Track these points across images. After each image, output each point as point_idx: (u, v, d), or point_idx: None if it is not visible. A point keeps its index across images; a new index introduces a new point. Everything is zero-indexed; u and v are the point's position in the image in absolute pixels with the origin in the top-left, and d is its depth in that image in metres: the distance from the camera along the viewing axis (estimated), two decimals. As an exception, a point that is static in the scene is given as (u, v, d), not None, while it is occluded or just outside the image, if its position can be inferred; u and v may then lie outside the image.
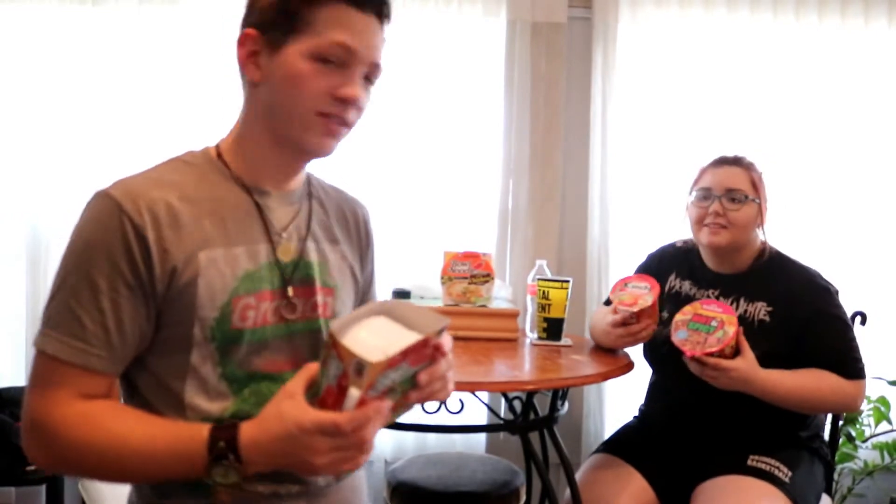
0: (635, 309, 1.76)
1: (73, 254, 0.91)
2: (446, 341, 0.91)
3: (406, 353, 0.82)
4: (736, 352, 1.61)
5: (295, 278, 1.01)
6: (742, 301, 1.73)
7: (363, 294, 1.20)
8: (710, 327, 1.61)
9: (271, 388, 0.96)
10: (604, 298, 2.61)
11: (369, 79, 0.99)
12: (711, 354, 1.57)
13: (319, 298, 1.04)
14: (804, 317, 1.69)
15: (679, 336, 1.64)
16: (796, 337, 1.68)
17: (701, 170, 1.85)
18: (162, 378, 0.96)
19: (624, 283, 1.83)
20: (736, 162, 1.81)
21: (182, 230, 0.93)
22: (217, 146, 1.03)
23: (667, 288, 1.89)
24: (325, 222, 1.10)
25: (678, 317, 1.68)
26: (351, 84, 0.96)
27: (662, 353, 1.83)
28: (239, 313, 0.96)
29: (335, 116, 0.96)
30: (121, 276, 0.90)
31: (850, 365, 1.67)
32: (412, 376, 0.88)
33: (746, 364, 1.59)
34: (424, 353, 0.86)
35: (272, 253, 1.00)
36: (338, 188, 1.19)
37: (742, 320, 1.69)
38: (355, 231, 1.16)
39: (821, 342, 1.68)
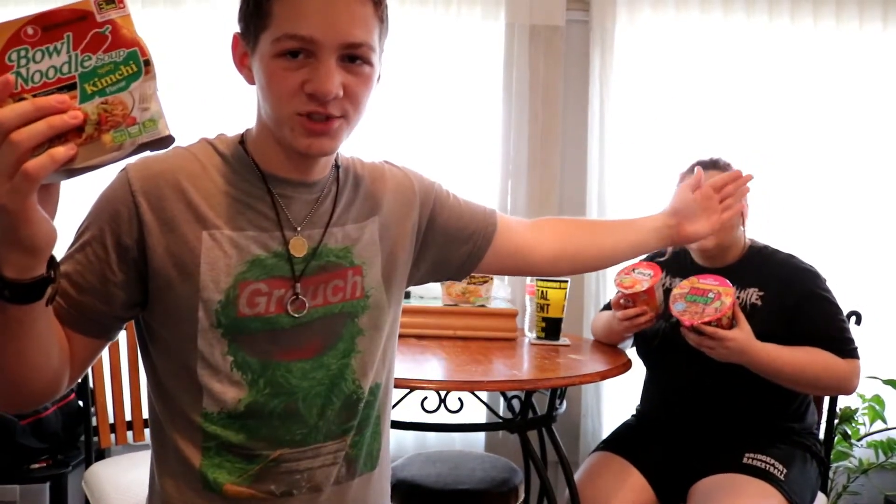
0: (629, 292, 1.79)
1: (85, 217, 0.93)
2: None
3: (43, 21, 0.67)
4: (733, 325, 1.64)
5: (310, 269, 0.97)
6: (735, 289, 1.76)
7: (476, 230, 1.15)
8: (708, 299, 1.64)
9: (287, 378, 0.95)
10: (602, 298, 2.64)
11: (354, 59, 0.89)
12: (709, 324, 1.60)
13: (344, 281, 1.00)
14: (795, 298, 1.72)
15: (677, 308, 1.67)
16: (789, 319, 1.71)
17: (681, 176, 1.89)
18: (178, 360, 0.94)
19: (632, 268, 1.87)
20: (713, 165, 1.84)
21: (188, 210, 0.92)
22: (243, 134, 1.01)
23: (661, 286, 1.91)
24: (354, 204, 1.04)
25: (676, 290, 1.71)
26: (319, 77, 0.86)
27: (655, 347, 1.87)
28: (247, 299, 0.93)
29: (315, 114, 0.88)
30: (103, 237, 0.90)
31: (843, 344, 1.70)
32: (104, 79, 0.68)
33: (743, 335, 1.61)
34: (96, 34, 0.68)
35: (284, 245, 0.96)
36: (371, 164, 1.11)
37: None
38: (396, 197, 1.09)
39: (813, 322, 1.71)
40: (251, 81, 0.95)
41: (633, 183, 2.67)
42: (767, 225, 2.48)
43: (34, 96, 0.66)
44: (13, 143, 0.63)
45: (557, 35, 2.61)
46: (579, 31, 2.70)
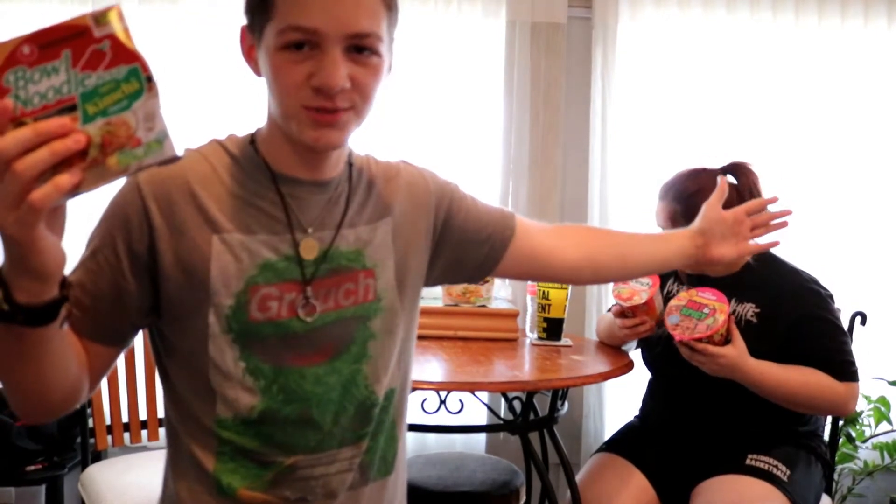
0: (627, 305, 1.78)
1: (96, 224, 0.91)
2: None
3: (39, 39, 0.63)
4: (728, 340, 1.62)
5: (321, 272, 0.95)
6: (733, 302, 1.73)
7: (493, 233, 1.12)
8: (702, 314, 1.63)
9: (300, 384, 0.94)
10: (603, 298, 2.62)
11: (361, 49, 0.86)
12: (700, 340, 1.59)
13: (356, 284, 0.98)
14: (790, 319, 1.68)
15: (671, 320, 1.66)
16: (783, 339, 1.68)
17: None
18: (190, 366, 0.93)
19: None
20: (732, 170, 1.81)
21: (198, 213, 0.90)
22: (254, 133, 0.98)
23: (665, 291, 1.90)
24: (366, 205, 1.02)
25: (673, 301, 1.69)
26: (325, 70, 0.84)
27: (657, 353, 1.85)
28: (257, 304, 0.92)
29: (322, 108, 0.86)
30: (114, 244, 0.89)
31: (840, 366, 1.66)
32: (105, 98, 0.65)
33: (736, 351, 1.59)
34: (95, 50, 0.64)
35: (295, 247, 0.94)
36: (385, 163, 1.09)
37: None
38: (409, 197, 1.07)
39: (809, 344, 1.67)
40: (259, 74, 0.93)
41: (635, 182, 2.65)
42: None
43: (35, 119, 0.63)
44: (16, 173, 0.61)
45: (559, 32, 2.59)
46: (581, 28, 2.68)
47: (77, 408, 0.91)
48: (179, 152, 0.68)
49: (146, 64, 0.66)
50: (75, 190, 0.64)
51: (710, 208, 1.28)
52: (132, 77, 0.66)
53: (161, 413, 2.11)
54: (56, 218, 0.68)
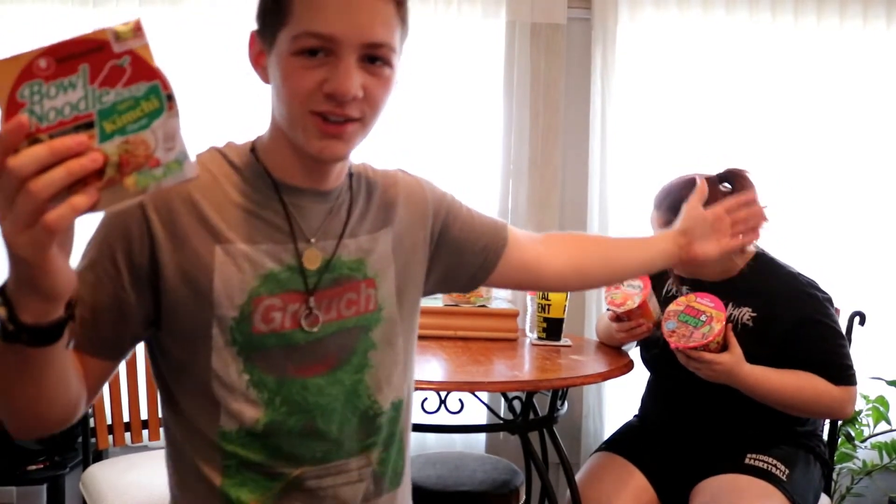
0: (620, 310, 1.79)
1: (93, 233, 0.90)
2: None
3: (56, 53, 0.61)
4: (725, 346, 1.63)
5: (323, 282, 0.95)
6: (730, 306, 1.73)
7: (488, 244, 1.13)
8: (699, 321, 1.63)
9: (304, 395, 0.93)
10: (603, 299, 2.62)
11: (374, 60, 0.86)
12: (695, 348, 1.59)
13: (357, 294, 0.98)
14: (787, 323, 1.67)
15: (668, 326, 1.66)
16: (780, 343, 1.68)
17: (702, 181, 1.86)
18: (192, 379, 0.92)
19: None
20: (724, 178, 1.81)
21: (200, 223, 0.89)
22: (254, 141, 0.97)
23: (664, 291, 1.90)
24: (367, 214, 1.01)
25: (672, 307, 1.69)
26: (339, 77, 0.83)
27: (654, 354, 1.85)
28: (261, 315, 0.91)
29: (332, 115, 0.85)
30: (114, 255, 0.87)
31: (837, 370, 1.66)
32: (124, 116, 0.63)
33: (732, 358, 1.60)
34: (114, 66, 0.62)
35: (297, 257, 0.93)
36: (383, 171, 1.09)
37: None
38: (408, 207, 1.07)
39: (805, 347, 1.67)
40: (266, 80, 0.92)
41: (634, 182, 2.65)
42: (773, 224, 2.47)
43: (50, 136, 0.60)
44: (31, 192, 0.59)
45: (559, 33, 2.60)
46: (581, 29, 2.69)
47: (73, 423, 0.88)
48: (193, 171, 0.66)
49: (167, 81, 0.64)
50: (90, 210, 0.62)
51: (691, 208, 1.29)
52: (152, 95, 0.63)
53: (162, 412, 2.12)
54: (65, 237, 0.66)
